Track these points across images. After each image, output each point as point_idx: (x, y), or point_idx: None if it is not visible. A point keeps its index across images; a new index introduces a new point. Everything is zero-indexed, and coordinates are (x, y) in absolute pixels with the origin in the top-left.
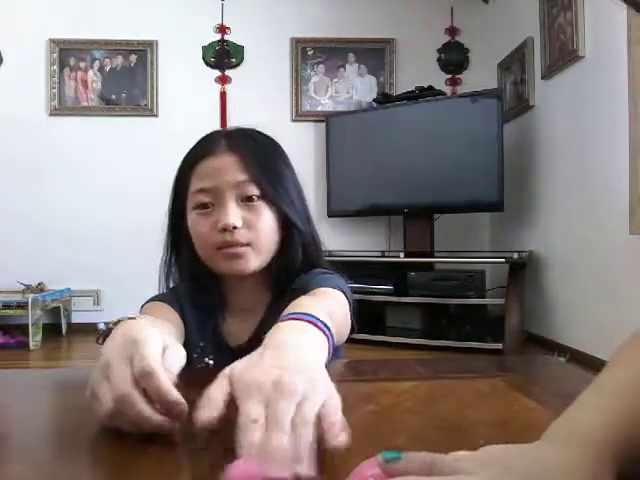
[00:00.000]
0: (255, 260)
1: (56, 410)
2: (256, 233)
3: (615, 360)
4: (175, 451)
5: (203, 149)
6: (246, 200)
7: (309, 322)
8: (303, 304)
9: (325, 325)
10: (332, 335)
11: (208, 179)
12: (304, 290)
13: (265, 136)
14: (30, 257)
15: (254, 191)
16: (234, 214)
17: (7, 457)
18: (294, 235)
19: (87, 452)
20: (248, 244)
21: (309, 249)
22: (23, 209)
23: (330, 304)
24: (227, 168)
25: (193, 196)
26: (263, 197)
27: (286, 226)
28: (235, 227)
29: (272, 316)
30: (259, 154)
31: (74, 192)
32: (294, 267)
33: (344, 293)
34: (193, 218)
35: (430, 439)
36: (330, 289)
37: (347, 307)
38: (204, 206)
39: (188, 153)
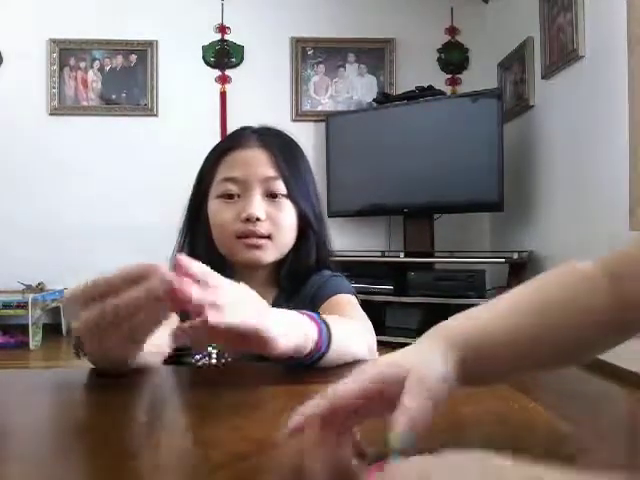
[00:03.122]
0: (272, 253)
1: (56, 410)
2: (277, 227)
3: (533, 280)
4: (174, 450)
5: (234, 141)
6: (271, 196)
7: (309, 317)
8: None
9: (326, 325)
10: (327, 331)
11: (238, 169)
12: (318, 295)
13: (289, 136)
14: (30, 257)
15: (281, 188)
16: (259, 206)
17: (7, 457)
18: (310, 235)
19: (87, 452)
20: (268, 236)
21: (320, 250)
22: (23, 209)
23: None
24: (257, 162)
25: (220, 184)
26: (287, 195)
27: (303, 225)
28: (258, 219)
29: None
30: (287, 152)
31: (74, 192)
32: (307, 266)
33: (355, 295)
34: (216, 205)
35: (430, 439)
36: (348, 296)
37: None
38: (229, 196)
39: (217, 144)
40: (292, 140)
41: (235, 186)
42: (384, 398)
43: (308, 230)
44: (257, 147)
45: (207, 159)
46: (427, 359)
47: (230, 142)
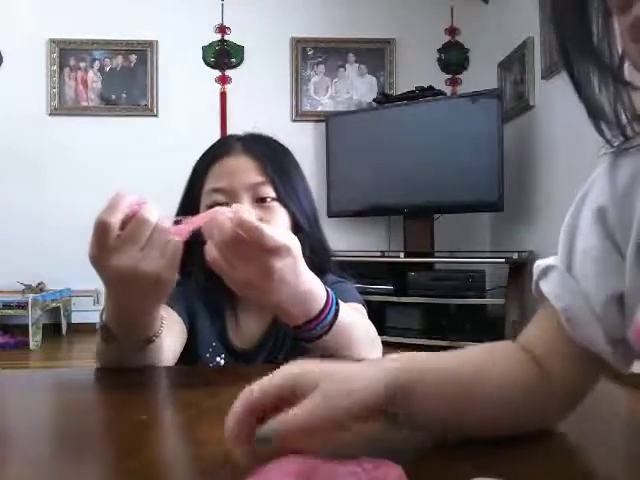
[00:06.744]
0: None
1: (56, 410)
2: None
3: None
4: (174, 450)
5: (219, 150)
6: (260, 201)
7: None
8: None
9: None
10: (335, 309)
11: (224, 179)
12: None
13: (277, 142)
14: (30, 257)
15: (269, 192)
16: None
17: (7, 457)
18: (302, 239)
19: (87, 452)
20: None
21: (317, 253)
22: (23, 209)
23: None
24: (243, 169)
25: (207, 195)
26: (277, 199)
27: (295, 230)
28: None
29: (281, 321)
30: (273, 157)
31: (74, 192)
32: None
33: (362, 304)
34: None
35: (430, 439)
36: (354, 305)
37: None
38: (218, 205)
39: (203, 154)
40: (280, 145)
41: (223, 196)
42: (292, 402)
43: (300, 234)
44: (242, 154)
45: (194, 171)
46: (353, 379)
47: (215, 152)
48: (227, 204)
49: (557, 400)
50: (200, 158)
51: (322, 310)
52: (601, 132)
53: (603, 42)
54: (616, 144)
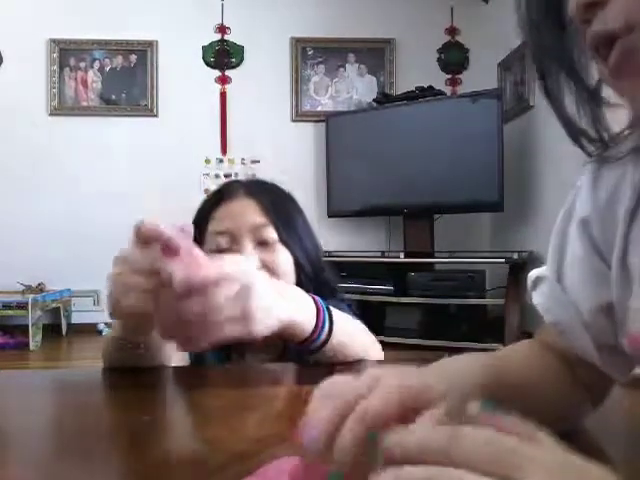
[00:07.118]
0: None
1: (56, 410)
2: (274, 275)
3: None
4: (175, 450)
5: (221, 194)
6: (264, 244)
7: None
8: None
9: (326, 309)
10: (327, 311)
11: (226, 221)
12: None
13: (280, 188)
14: (30, 257)
15: (271, 234)
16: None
17: (7, 457)
18: (303, 281)
19: (87, 453)
20: None
21: (321, 294)
22: (23, 209)
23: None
24: (245, 211)
25: (210, 239)
26: (280, 240)
27: (298, 271)
28: None
29: (288, 360)
30: (276, 201)
31: (74, 192)
32: None
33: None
34: None
35: None
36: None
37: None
38: (221, 251)
39: (206, 199)
40: (281, 189)
41: (225, 239)
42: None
43: (301, 276)
44: (244, 197)
45: (197, 215)
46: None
47: (217, 196)
48: (229, 249)
49: (581, 396)
50: (203, 202)
51: (317, 313)
52: (582, 147)
53: (580, 61)
54: (598, 152)
